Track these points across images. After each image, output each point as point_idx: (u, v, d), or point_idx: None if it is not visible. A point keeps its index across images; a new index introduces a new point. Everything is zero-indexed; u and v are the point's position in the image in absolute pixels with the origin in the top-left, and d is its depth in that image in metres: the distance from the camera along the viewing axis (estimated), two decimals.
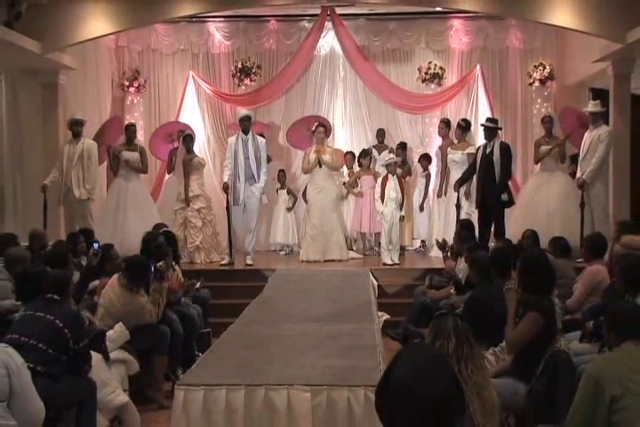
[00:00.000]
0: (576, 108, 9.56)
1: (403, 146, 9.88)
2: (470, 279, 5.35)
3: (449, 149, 9.02)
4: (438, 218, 9.20)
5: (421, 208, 9.70)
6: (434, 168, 9.97)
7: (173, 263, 6.34)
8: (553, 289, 4.14)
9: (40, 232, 6.90)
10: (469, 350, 2.55)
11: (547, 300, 3.90)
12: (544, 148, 8.94)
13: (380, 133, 10.19)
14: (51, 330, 3.91)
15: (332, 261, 8.82)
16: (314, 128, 9.08)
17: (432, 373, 1.59)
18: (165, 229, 7.05)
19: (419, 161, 9.98)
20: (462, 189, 8.37)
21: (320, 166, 8.94)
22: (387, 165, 8.74)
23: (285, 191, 10.00)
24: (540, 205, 8.75)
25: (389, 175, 8.65)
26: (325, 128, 9.22)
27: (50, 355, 3.85)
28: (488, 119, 8.48)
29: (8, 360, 3.36)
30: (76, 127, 8.46)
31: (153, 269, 5.51)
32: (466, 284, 5.71)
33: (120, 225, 8.60)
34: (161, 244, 6.00)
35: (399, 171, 9.03)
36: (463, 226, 6.94)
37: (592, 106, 8.50)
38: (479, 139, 9.04)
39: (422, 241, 9.88)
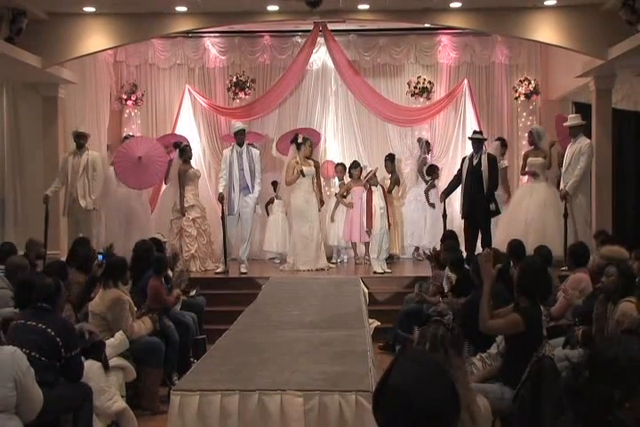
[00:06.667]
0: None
1: (391, 158, 10.07)
2: (473, 281, 5.30)
3: None
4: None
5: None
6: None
7: (170, 273, 6.53)
8: (547, 298, 4.21)
9: (36, 241, 7.03)
10: (452, 359, 2.63)
11: (536, 308, 3.94)
12: (532, 159, 8.95)
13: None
14: (43, 339, 3.93)
15: (322, 270, 8.94)
16: (300, 140, 9.05)
17: (429, 379, 1.58)
18: (153, 237, 7.07)
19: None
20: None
21: (303, 175, 8.94)
22: (368, 179, 8.86)
23: (281, 201, 10.03)
24: (522, 215, 8.79)
25: (372, 187, 8.76)
26: (311, 142, 9.22)
27: (43, 363, 3.87)
28: (475, 132, 8.69)
29: (16, 372, 3.47)
30: (79, 140, 8.60)
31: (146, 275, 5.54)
32: (460, 287, 5.75)
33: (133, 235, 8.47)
34: (162, 256, 6.07)
35: (386, 182, 9.22)
36: (448, 236, 7.09)
37: (570, 120, 8.67)
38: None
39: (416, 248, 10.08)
